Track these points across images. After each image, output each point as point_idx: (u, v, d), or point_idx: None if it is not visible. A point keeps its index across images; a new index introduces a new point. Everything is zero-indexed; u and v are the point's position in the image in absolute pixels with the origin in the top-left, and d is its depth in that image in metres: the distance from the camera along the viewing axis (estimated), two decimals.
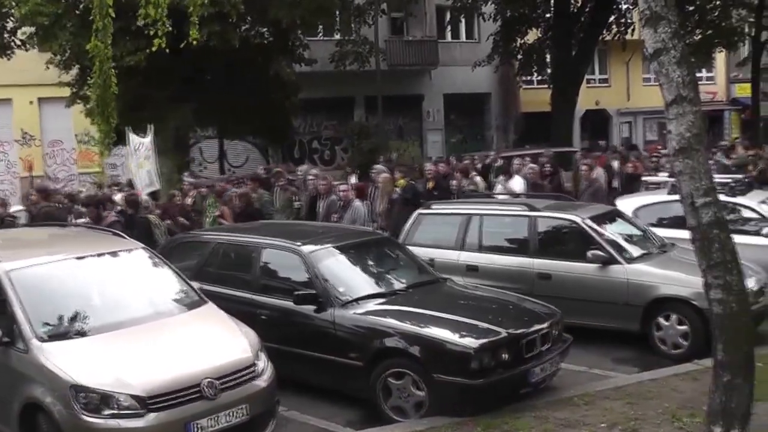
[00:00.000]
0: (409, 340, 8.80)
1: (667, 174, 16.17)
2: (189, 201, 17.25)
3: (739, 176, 15.40)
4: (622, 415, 8.44)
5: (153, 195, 17.32)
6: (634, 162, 20.76)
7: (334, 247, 10.48)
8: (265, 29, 24.97)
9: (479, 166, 21.89)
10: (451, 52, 37.17)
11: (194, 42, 12.00)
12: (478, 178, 18.43)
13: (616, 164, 20.59)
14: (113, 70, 12.18)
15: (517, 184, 17.51)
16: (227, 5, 20.08)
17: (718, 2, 30.78)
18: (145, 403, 7.29)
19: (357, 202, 15.01)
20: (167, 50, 11.91)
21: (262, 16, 23.38)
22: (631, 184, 18.50)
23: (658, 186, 16.38)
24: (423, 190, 17.12)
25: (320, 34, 31.20)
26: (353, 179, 18.92)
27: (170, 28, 11.57)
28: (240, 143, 32.67)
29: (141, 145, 17.69)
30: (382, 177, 17.09)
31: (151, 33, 11.61)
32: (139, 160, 17.53)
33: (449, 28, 37.86)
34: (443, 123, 38.76)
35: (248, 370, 8.10)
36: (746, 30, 33.45)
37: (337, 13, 28.27)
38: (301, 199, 16.91)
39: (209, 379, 7.64)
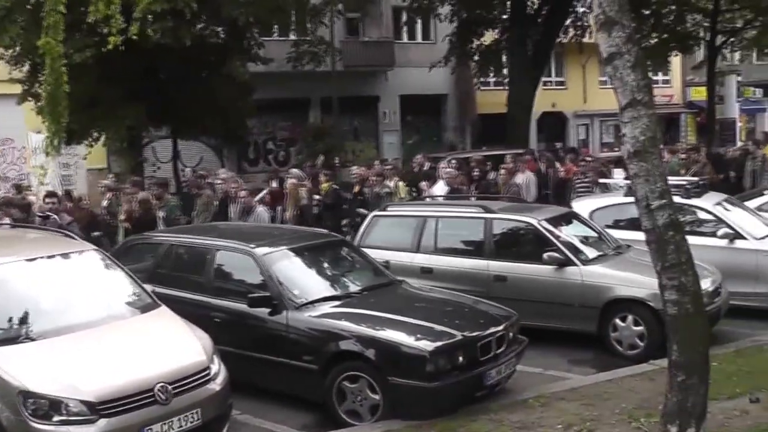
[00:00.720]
0: (364, 343, 8.75)
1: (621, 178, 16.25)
2: (104, 204, 16.94)
3: (695, 179, 15.57)
4: (577, 417, 8.46)
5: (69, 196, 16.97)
6: (566, 166, 20.43)
7: (288, 249, 10.43)
8: (220, 28, 24.76)
9: (416, 169, 21.60)
10: (408, 53, 37.09)
11: (135, 37, 11.82)
12: (401, 183, 17.69)
13: (543, 168, 20.30)
14: (64, 68, 11.98)
15: (440, 189, 17.15)
16: (180, 2, 19.83)
17: (673, 7, 31.08)
18: (96, 408, 7.14)
19: (260, 208, 14.82)
20: (122, 47, 11.74)
21: (216, 14, 23.17)
22: (562, 188, 18.32)
23: (588, 189, 16.49)
24: (350, 194, 16.92)
25: (275, 34, 31.02)
26: (274, 184, 18.47)
27: (124, 25, 11.41)
28: (194, 143, 32.30)
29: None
30: (289, 183, 16.76)
31: (105, 31, 11.45)
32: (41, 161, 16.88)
33: (405, 29, 37.81)
34: (399, 124, 38.71)
35: (202, 374, 7.98)
36: (701, 34, 33.79)
37: (293, 13, 28.12)
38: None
39: (162, 384, 7.51)
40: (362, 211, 16.36)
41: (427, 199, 16.26)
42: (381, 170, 18.31)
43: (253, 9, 23.02)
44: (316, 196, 17.43)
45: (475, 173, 18.94)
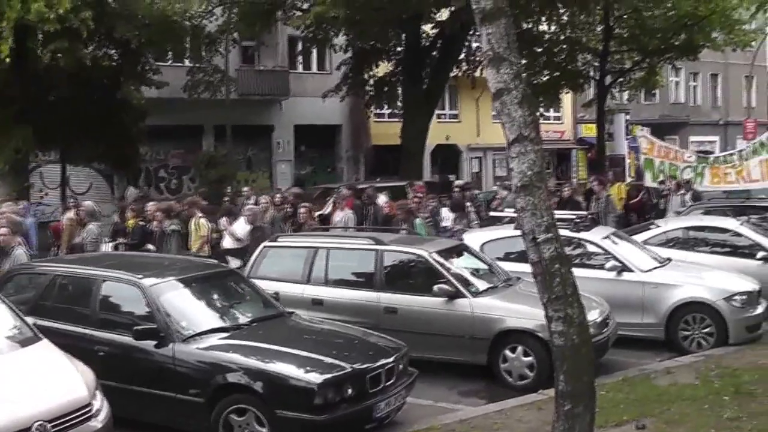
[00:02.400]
0: (251, 375, 8.64)
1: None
2: None
3: (584, 213, 15.92)
4: None
5: None
6: (389, 203, 19.68)
7: (176, 280, 10.22)
8: (113, 50, 24.34)
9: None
10: (303, 82, 37.10)
11: (7, 59, 11.47)
12: (202, 220, 16.33)
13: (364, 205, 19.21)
14: None
15: (240, 226, 16.32)
16: (76, 21, 19.34)
17: (565, 46, 31.93)
18: None
19: (18, 250, 12.48)
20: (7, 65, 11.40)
21: (109, 35, 22.75)
22: (388, 225, 17.50)
23: (404, 222, 16.49)
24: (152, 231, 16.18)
25: (170, 60, 30.69)
26: (68, 215, 17.05)
27: (12, 44, 11.09)
28: (84, 169, 31.60)
29: None
30: (65, 218, 15.76)
31: None
32: None
33: (301, 58, 37.82)
34: (293, 154, 38.61)
35: (83, 410, 7.67)
36: (591, 74, 34.75)
37: (188, 39, 27.88)
38: None
39: (40, 422, 7.18)
40: (150, 247, 15.91)
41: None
42: (169, 206, 17.07)
43: (147, 31, 22.72)
44: (121, 240, 16.50)
45: (288, 209, 18.09)
